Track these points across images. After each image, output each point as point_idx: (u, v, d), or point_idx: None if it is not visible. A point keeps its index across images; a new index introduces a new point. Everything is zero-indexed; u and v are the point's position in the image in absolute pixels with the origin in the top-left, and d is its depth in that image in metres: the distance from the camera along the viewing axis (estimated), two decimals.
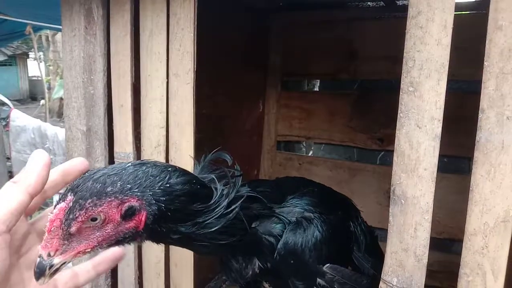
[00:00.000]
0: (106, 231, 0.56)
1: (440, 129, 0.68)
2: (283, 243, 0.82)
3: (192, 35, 0.87)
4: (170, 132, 0.93)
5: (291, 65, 1.95)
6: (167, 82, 0.92)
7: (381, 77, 1.79)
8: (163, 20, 0.91)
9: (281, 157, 2.17)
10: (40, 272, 0.55)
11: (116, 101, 1.01)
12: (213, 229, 0.67)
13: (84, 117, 1.04)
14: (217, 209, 0.67)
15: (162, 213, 0.60)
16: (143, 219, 0.59)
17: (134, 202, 0.57)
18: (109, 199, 0.55)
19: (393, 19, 1.70)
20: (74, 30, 1.02)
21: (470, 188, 0.68)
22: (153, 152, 0.96)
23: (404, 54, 0.70)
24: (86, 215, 0.53)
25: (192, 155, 0.90)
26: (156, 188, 0.59)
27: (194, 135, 0.91)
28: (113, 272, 1.13)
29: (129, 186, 0.57)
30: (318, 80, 2.24)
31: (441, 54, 0.67)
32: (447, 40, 0.66)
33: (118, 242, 0.59)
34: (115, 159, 1.03)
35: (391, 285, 0.76)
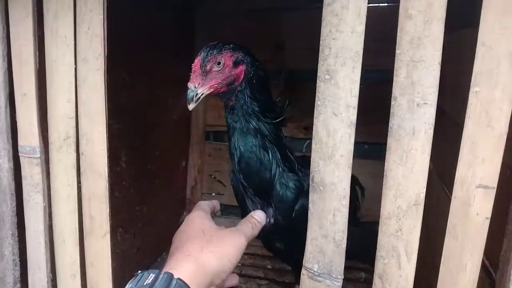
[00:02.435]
0: (224, 73, 0.88)
1: (355, 116, 0.69)
2: (301, 205, 0.96)
3: (102, 17, 0.80)
4: (80, 123, 0.86)
5: None
6: (75, 68, 0.85)
7: (306, 67, 1.80)
8: (69, 1, 0.83)
9: (210, 148, 2.14)
10: (191, 98, 0.86)
11: (18, 90, 0.91)
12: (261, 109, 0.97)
13: None
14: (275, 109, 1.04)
15: (250, 79, 0.92)
16: (243, 70, 0.91)
17: (240, 57, 0.90)
18: (226, 51, 0.88)
19: (315, 10, 1.72)
20: None
21: (384, 174, 0.70)
22: (62, 144, 0.88)
23: (321, 42, 0.69)
24: (215, 58, 0.86)
25: (105, 147, 0.84)
26: (250, 60, 0.92)
27: (107, 125, 0.84)
28: (23, 277, 1.04)
29: (236, 50, 0.90)
30: None
31: (355, 42, 0.67)
32: (361, 28, 0.67)
33: (229, 85, 0.90)
34: (19, 154, 0.93)
35: (312, 271, 0.77)
